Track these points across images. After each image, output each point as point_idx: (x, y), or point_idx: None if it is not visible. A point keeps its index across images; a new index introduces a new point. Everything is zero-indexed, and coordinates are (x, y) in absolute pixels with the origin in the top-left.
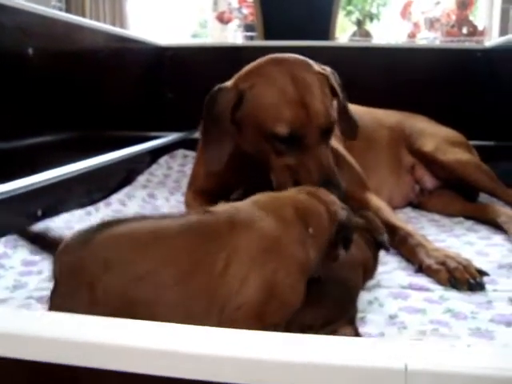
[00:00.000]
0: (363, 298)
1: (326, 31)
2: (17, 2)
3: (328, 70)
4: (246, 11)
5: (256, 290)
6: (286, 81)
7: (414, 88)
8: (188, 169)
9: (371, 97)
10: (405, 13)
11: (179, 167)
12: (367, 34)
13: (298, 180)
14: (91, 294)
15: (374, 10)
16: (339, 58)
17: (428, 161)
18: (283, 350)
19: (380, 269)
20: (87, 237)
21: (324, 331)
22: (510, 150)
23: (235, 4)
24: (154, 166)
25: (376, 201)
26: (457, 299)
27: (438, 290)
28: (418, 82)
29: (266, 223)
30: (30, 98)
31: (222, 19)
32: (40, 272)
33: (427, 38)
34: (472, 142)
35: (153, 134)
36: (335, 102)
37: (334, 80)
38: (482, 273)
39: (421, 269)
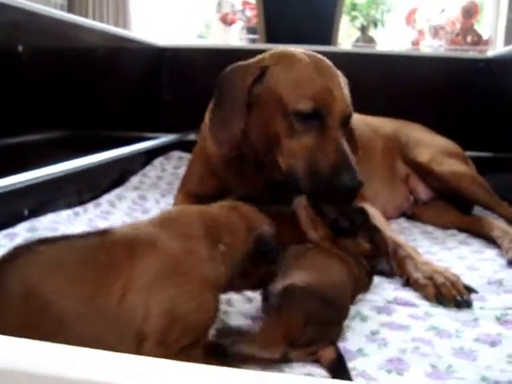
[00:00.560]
0: None
1: (328, 36)
2: None
3: None
4: (249, 13)
5: (157, 318)
6: (310, 66)
7: (413, 96)
8: (182, 171)
9: (370, 103)
10: (410, 19)
11: (173, 169)
12: (371, 40)
13: (312, 163)
14: None
15: (378, 16)
16: (340, 63)
17: (423, 171)
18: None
19: None
20: None
21: (304, 350)
22: (508, 162)
23: (239, 6)
24: (148, 168)
25: (370, 210)
26: (442, 316)
27: (424, 306)
28: (417, 90)
29: (168, 245)
30: (20, 96)
31: (226, 21)
32: None
33: (431, 46)
34: (470, 153)
35: (148, 135)
36: None
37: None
38: (470, 290)
39: (408, 282)
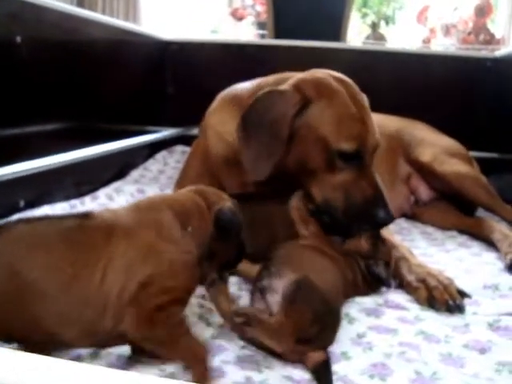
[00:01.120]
0: None
1: (337, 33)
2: None
3: None
4: (259, 8)
5: (132, 289)
6: (347, 98)
7: (420, 94)
8: None
9: (378, 100)
10: (421, 17)
11: (175, 163)
12: (381, 38)
13: (348, 196)
14: None
15: (390, 13)
16: (347, 60)
17: (424, 171)
18: None
19: None
20: None
21: (295, 349)
22: None
23: (249, 1)
24: (150, 161)
25: None
26: (432, 321)
27: (415, 310)
28: (425, 88)
29: (143, 229)
30: (19, 87)
31: (236, 16)
32: None
33: (443, 45)
34: (475, 154)
35: (152, 128)
36: None
37: None
38: (464, 294)
39: (401, 284)
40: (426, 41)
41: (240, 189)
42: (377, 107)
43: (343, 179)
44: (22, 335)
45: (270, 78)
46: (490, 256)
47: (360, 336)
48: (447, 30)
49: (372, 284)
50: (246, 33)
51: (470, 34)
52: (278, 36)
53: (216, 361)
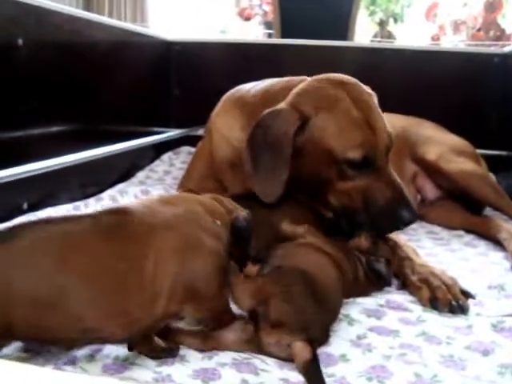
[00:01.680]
0: None
1: (344, 31)
2: None
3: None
4: (266, 8)
5: (170, 281)
6: (349, 104)
7: (427, 91)
8: None
9: (385, 98)
10: (429, 14)
11: (181, 164)
12: (390, 35)
13: (368, 200)
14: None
15: (398, 11)
16: (354, 58)
17: (430, 170)
18: None
19: None
20: None
21: (277, 335)
22: None
23: (257, 1)
24: (156, 162)
25: None
26: (435, 322)
27: (417, 311)
28: (432, 85)
29: (184, 221)
30: (20, 89)
31: (243, 15)
32: None
33: (452, 41)
34: (484, 152)
35: (157, 129)
36: None
37: None
38: (468, 295)
39: (404, 284)
40: (435, 38)
41: (244, 192)
42: (385, 106)
43: (359, 185)
44: (56, 335)
45: (277, 86)
46: (496, 256)
47: (360, 337)
48: (456, 27)
49: (375, 282)
50: (254, 32)
51: (479, 30)
52: (284, 35)
53: (212, 363)
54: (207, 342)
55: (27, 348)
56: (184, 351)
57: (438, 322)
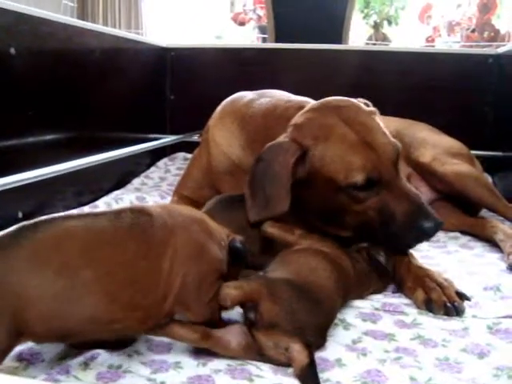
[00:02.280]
0: None
1: (339, 34)
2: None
3: (362, 100)
4: (261, 13)
5: (178, 282)
6: (344, 128)
7: (422, 93)
8: None
9: (381, 101)
10: (423, 16)
11: (177, 171)
12: (384, 38)
13: (386, 216)
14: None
15: (392, 13)
16: (349, 61)
17: (425, 172)
18: None
19: None
20: (3, 242)
21: (273, 338)
22: None
23: (250, 5)
24: (152, 169)
25: None
26: (430, 325)
27: (413, 314)
28: (427, 86)
29: (197, 227)
30: (14, 98)
31: (237, 20)
32: None
33: (446, 43)
34: (479, 153)
35: (152, 136)
36: None
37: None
38: (463, 296)
39: (400, 287)
40: (430, 40)
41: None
42: (380, 108)
43: (372, 204)
44: (75, 330)
45: (277, 111)
46: (492, 257)
47: (355, 342)
48: (451, 28)
49: (377, 278)
50: (249, 37)
51: (474, 31)
52: (279, 39)
53: (207, 370)
54: (206, 339)
55: (20, 357)
56: (178, 358)
57: (433, 325)
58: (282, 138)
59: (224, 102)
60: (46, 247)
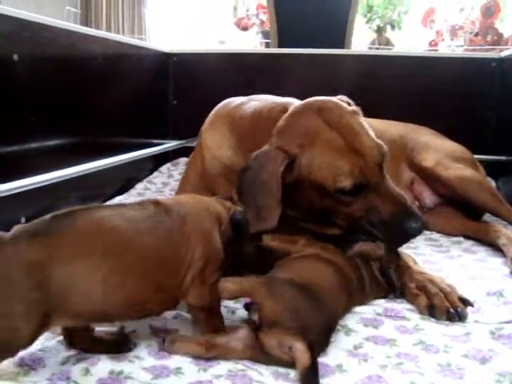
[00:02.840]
0: None
1: (341, 39)
2: (1, 7)
3: (345, 98)
4: (264, 17)
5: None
6: (329, 133)
7: (425, 97)
8: None
9: (384, 106)
10: (426, 20)
11: (180, 176)
12: (387, 42)
13: (374, 216)
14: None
15: (395, 17)
16: (351, 66)
17: (428, 176)
18: None
19: None
20: (42, 229)
21: (276, 337)
22: None
23: (253, 10)
24: (155, 174)
25: None
26: (432, 330)
27: (415, 319)
28: (430, 91)
29: (205, 216)
30: (20, 104)
31: (241, 25)
32: None
33: (449, 47)
34: (482, 157)
35: (155, 141)
36: None
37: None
38: (466, 302)
39: (403, 292)
40: (433, 44)
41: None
42: (383, 112)
43: (359, 207)
44: (107, 311)
45: (263, 113)
46: (495, 262)
47: (356, 347)
48: (454, 32)
49: (383, 287)
50: (252, 42)
51: (477, 34)
52: (282, 44)
53: (208, 375)
54: (210, 350)
55: (21, 363)
56: (179, 363)
57: (435, 330)
58: (268, 145)
59: (216, 107)
60: (89, 234)
